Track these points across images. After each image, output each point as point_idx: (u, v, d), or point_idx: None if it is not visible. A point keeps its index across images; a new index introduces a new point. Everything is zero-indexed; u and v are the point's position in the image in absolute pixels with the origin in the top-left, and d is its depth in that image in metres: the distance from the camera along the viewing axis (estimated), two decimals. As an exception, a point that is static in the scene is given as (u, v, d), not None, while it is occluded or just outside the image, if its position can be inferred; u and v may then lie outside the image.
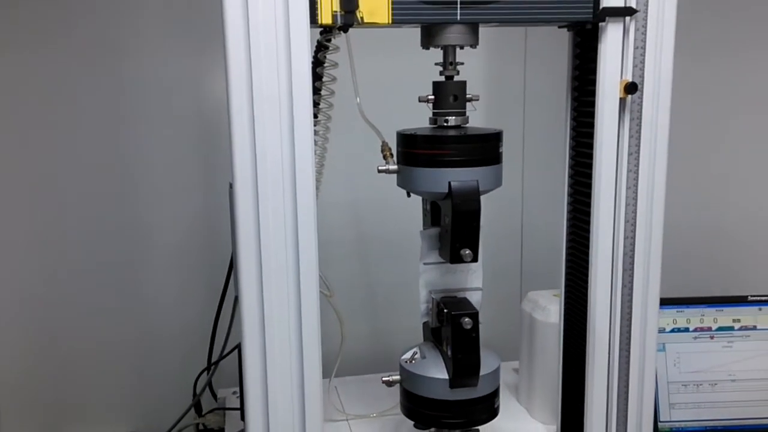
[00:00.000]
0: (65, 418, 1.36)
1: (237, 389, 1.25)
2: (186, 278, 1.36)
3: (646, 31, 0.87)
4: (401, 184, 0.92)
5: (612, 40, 0.87)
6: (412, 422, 1.01)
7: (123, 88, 1.27)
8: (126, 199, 1.31)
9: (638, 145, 0.90)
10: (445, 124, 0.91)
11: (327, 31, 0.84)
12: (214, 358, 1.21)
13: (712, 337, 1.21)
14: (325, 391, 0.91)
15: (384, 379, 0.97)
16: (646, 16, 0.86)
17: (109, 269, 1.33)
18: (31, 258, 1.30)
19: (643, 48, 0.87)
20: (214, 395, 1.27)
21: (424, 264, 0.95)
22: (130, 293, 1.34)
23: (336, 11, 0.80)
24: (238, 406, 1.19)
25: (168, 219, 1.33)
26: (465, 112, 0.92)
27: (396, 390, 1.00)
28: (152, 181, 1.32)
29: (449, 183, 0.86)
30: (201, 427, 1.23)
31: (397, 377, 0.97)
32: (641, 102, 0.89)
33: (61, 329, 1.33)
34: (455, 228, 0.87)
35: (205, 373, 1.22)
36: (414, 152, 0.89)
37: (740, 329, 1.21)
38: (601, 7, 0.85)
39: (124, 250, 1.33)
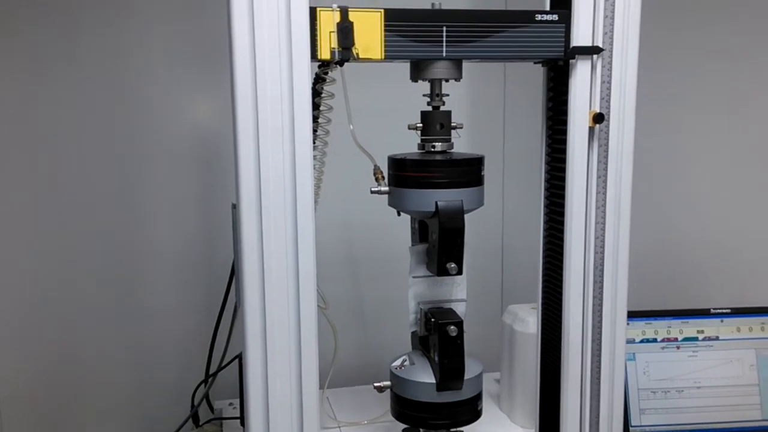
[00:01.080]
0: (65, 428, 1.38)
1: (233, 401, 1.30)
2: (184, 292, 1.39)
3: (611, 67, 0.96)
4: (392, 204, 0.99)
5: (581, 75, 0.96)
6: (401, 429, 1.08)
7: (127, 111, 1.33)
8: (127, 214, 1.35)
9: (605, 170, 0.99)
10: (433, 149, 0.98)
11: (325, 65, 0.91)
12: (211, 370, 1.26)
13: (678, 347, 1.28)
14: (319, 401, 0.96)
15: (375, 385, 1.03)
16: (612, 54, 0.95)
17: (110, 282, 1.36)
18: (32, 269, 1.32)
19: (609, 82, 0.96)
20: (211, 407, 1.31)
21: (413, 277, 1.02)
22: (130, 306, 1.37)
23: (334, 48, 0.88)
24: (235, 416, 1.24)
25: (168, 234, 1.37)
26: (450, 139, 0.99)
27: (385, 398, 1.06)
28: (153, 197, 1.36)
29: (436, 203, 0.93)
30: (198, 436, 1.28)
31: (388, 383, 1.03)
32: (608, 131, 0.97)
33: (61, 340, 1.35)
34: (442, 244, 0.94)
35: (203, 385, 1.27)
36: (404, 175, 0.96)
37: (704, 340, 1.28)
38: (571, 46, 0.94)
39: (125, 264, 1.36)
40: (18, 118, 1.29)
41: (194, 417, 1.27)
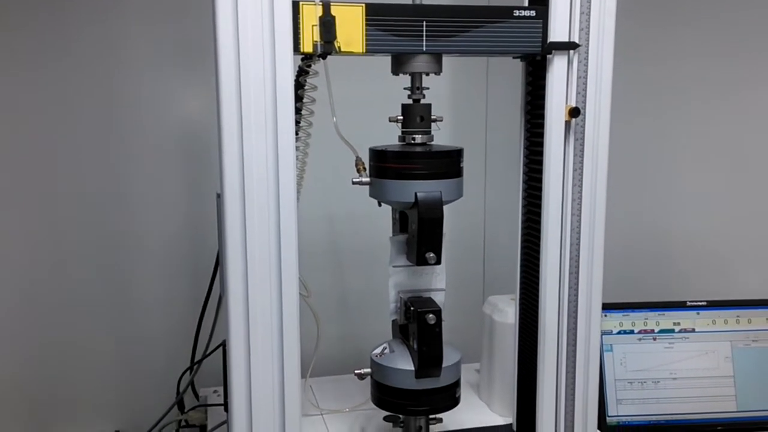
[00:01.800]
0: (53, 416, 1.40)
1: (217, 388, 1.32)
2: (170, 283, 1.41)
3: (587, 62, 0.98)
4: (373, 194, 1.01)
5: (558, 70, 0.98)
6: (382, 415, 1.10)
7: (115, 105, 1.34)
8: (115, 205, 1.37)
9: (581, 162, 1.01)
10: (413, 141, 1.00)
11: (308, 58, 0.93)
12: (197, 358, 1.28)
13: (654, 339, 1.31)
14: (301, 389, 0.98)
15: (356, 372, 1.05)
16: (588, 50, 0.98)
17: (98, 273, 1.38)
18: (19, 261, 1.34)
19: (585, 77, 0.99)
20: (196, 394, 1.33)
21: (393, 267, 1.04)
22: (117, 296, 1.39)
23: (316, 41, 0.90)
24: (219, 403, 1.26)
25: (155, 226, 1.39)
26: (430, 131, 1.01)
27: (366, 387, 1.09)
28: (141, 190, 1.38)
29: (416, 194, 0.95)
30: (183, 423, 1.29)
31: (368, 370, 1.05)
32: (584, 124, 1.00)
33: (48, 330, 1.37)
34: (421, 234, 0.96)
35: (188, 372, 1.29)
36: (385, 166, 0.98)
37: (680, 332, 1.31)
38: (548, 41, 0.97)
39: (113, 255, 1.38)
40: (5, 113, 1.30)
41: (179, 403, 1.29)
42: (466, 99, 1.49)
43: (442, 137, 1.04)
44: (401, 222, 1.05)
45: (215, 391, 1.33)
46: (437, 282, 1.06)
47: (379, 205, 1.03)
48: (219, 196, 0.94)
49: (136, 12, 1.33)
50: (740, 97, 1.55)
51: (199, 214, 1.39)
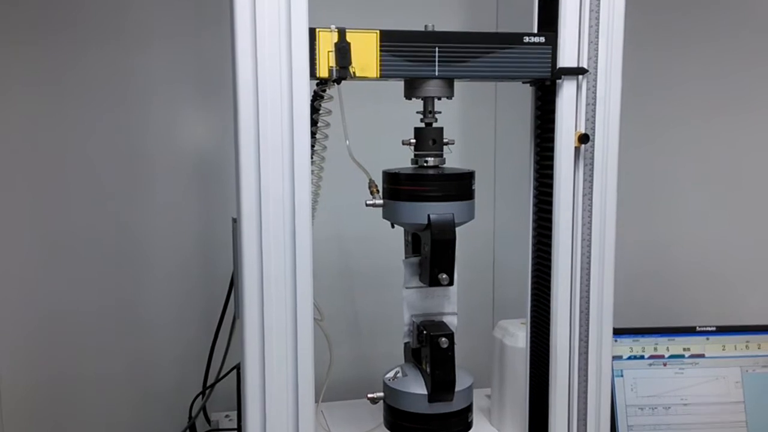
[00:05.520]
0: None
1: (229, 413, 1.32)
2: (183, 307, 1.42)
3: (596, 88, 1.00)
4: (386, 216, 1.02)
5: (567, 95, 1.00)
6: (394, 438, 1.10)
7: (130, 129, 1.37)
8: (129, 228, 1.38)
9: (591, 188, 1.02)
10: (425, 164, 1.02)
11: (323, 82, 0.95)
12: (209, 382, 1.28)
13: (665, 364, 1.31)
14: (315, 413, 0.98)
15: (369, 395, 1.06)
16: (596, 75, 1.00)
17: (110, 294, 1.38)
18: (33, 280, 1.35)
19: (594, 103, 1.00)
20: (208, 419, 1.33)
21: (406, 288, 1.05)
22: (130, 319, 1.40)
23: (332, 66, 0.92)
24: (231, 428, 1.26)
25: (168, 249, 1.40)
26: (442, 154, 1.03)
27: (378, 412, 1.08)
28: (154, 212, 1.39)
29: (428, 215, 0.97)
30: (195, 447, 1.30)
31: (381, 394, 1.05)
32: (593, 150, 1.01)
33: (60, 353, 1.37)
34: (434, 255, 0.97)
35: (200, 396, 1.29)
36: (398, 188, 0.99)
37: (690, 357, 1.31)
38: (557, 67, 0.99)
39: (125, 276, 1.39)
40: (20, 136, 1.32)
41: (191, 428, 1.29)
42: (475, 122, 1.51)
43: (451, 160, 1.05)
44: (414, 244, 1.06)
45: (227, 416, 1.32)
46: (449, 305, 1.07)
47: (392, 226, 1.04)
48: (234, 221, 0.95)
49: (152, 37, 1.36)
50: (741, 120, 1.56)
51: (212, 238, 1.40)
